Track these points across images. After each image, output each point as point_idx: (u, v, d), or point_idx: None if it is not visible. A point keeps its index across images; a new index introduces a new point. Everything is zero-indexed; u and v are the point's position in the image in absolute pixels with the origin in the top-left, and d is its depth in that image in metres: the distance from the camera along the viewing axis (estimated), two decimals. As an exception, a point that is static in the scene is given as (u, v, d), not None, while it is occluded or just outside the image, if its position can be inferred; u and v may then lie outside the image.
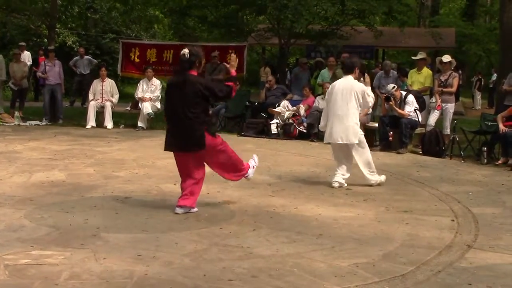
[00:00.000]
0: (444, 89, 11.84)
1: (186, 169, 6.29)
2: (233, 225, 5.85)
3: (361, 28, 20.28)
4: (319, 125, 8.96)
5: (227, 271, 4.47)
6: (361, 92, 7.95)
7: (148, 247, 5.00)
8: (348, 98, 7.92)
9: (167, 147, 6.34)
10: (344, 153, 8.07)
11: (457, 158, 10.81)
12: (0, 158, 9.21)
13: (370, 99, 8.16)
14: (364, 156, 8.06)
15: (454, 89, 12.02)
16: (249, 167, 6.65)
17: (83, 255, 4.72)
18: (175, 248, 5.02)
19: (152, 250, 4.92)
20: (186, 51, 6.24)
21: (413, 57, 13.30)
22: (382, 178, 8.11)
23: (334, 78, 14.01)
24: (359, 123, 8.08)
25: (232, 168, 6.52)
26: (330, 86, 8.35)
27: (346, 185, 7.87)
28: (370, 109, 12.16)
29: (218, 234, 5.49)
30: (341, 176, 7.94)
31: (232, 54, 6.77)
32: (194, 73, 6.26)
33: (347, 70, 8.19)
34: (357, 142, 7.93)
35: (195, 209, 6.23)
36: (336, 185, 7.83)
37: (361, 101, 7.98)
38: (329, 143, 8.29)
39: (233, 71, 6.56)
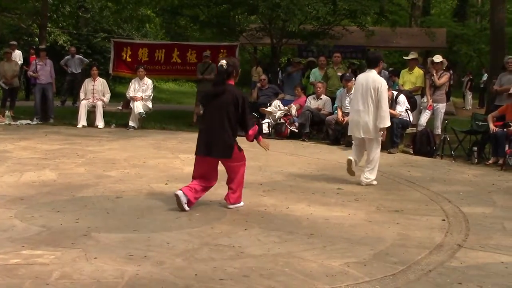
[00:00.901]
0: (434, 80, 11.78)
1: (206, 172, 6.50)
2: (225, 224, 5.85)
3: (352, 28, 20.28)
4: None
5: (219, 271, 4.47)
6: (375, 88, 8.09)
7: (139, 246, 5.00)
8: (368, 93, 8.09)
9: (200, 153, 6.47)
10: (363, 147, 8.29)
11: (448, 158, 10.86)
12: (-9, 158, 9.18)
13: (385, 99, 8.17)
14: (374, 153, 8.17)
15: (442, 81, 11.95)
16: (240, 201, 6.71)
17: (74, 255, 4.72)
18: (166, 247, 5.01)
19: (144, 249, 4.92)
20: (224, 62, 6.51)
21: (404, 57, 13.35)
22: (375, 182, 8.14)
23: (326, 77, 14.07)
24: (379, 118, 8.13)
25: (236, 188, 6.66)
26: (356, 79, 8.35)
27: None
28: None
29: (209, 234, 5.49)
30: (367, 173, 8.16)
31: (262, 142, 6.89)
32: (232, 82, 6.56)
33: (371, 64, 8.31)
34: (373, 137, 8.14)
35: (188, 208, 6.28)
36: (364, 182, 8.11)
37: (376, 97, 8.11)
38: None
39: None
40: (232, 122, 6.42)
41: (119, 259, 4.65)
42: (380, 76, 13.25)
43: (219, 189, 7.33)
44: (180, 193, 6.25)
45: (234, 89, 6.53)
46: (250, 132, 6.59)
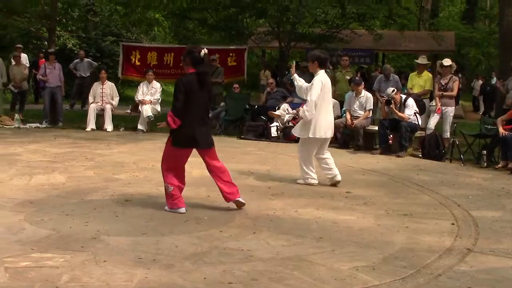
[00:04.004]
0: (445, 93, 11.86)
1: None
2: (233, 228, 5.85)
3: (361, 31, 20.30)
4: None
5: (228, 274, 4.47)
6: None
7: (148, 250, 5.00)
8: (329, 94, 8.32)
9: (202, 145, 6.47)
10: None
11: (457, 161, 10.82)
12: (0, 161, 9.21)
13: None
14: None
15: (454, 93, 12.04)
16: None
17: (83, 258, 4.73)
18: (175, 251, 5.02)
19: (153, 253, 4.92)
20: (206, 50, 6.50)
21: (417, 61, 13.22)
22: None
23: (334, 81, 14.06)
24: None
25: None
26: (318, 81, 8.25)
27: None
28: (371, 113, 12.24)
29: (218, 237, 5.49)
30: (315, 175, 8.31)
31: None
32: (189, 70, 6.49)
33: (323, 65, 8.33)
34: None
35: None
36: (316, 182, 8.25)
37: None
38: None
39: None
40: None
41: (128, 262, 4.66)
42: (389, 79, 13.40)
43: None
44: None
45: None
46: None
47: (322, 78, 8.08)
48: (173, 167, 6.40)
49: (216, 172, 6.50)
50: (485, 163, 10.42)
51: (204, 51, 6.38)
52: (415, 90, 12.40)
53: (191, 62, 6.40)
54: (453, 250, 5.35)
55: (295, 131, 8.55)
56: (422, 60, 12.89)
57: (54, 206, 6.48)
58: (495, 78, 24.84)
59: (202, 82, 6.36)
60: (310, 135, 8.05)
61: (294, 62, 9.52)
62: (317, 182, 8.16)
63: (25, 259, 4.68)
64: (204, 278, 4.38)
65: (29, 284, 4.17)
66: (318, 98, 7.97)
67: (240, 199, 6.54)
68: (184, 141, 6.32)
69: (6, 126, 14.03)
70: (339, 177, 8.15)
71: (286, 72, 19.12)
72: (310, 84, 8.10)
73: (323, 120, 8.09)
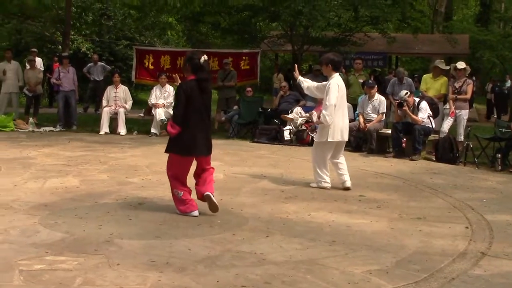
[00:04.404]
0: (459, 96, 11.79)
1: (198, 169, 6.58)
2: (246, 231, 5.85)
3: (374, 35, 20.28)
4: None
5: (240, 278, 4.47)
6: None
7: (161, 253, 5.01)
8: (344, 97, 8.29)
9: (203, 153, 6.48)
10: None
11: (471, 165, 10.77)
12: (15, 164, 9.27)
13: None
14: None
15: (468, 96, 11.98)
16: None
17: (97, 261, 4.75)
18: (188, 254, 5.02)
19: (166, 256, 4.93)
20: (206, 57, 6.47)
21: (438, 65, 12.84)
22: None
23: (347, 84, 14.04)
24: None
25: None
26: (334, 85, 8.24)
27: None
28: (384, 116, 12.20)
29: (231, 241, 5.49)
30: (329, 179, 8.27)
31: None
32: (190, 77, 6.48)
33: (337, 68, 8.32)
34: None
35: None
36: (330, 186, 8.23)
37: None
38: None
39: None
40: None
41: (141, 266, 4.67)
42: (403, 83, 13.33)
43: (241, 196, 7.37)
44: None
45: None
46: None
47: (337, 81, 8.08)
48: (179, 173, 6.42)
49: (202, 176, 6.51)
50: (500, 167, 10.36)
51: (204, 57, 6.37)
52: (431, 94, 12.32)
53: (191, 68, 6.42)
54: (467, 254, 5.32)
55: (316, 138, 8.53)
56: (441, 65, 12.67)
57: (68, 209, 6.51)
58: (509, 81, 24.71)
59: (202, 88, 6.37)
60: (329, 139, 8.04)
61: (295, 65, 9.47)
62: (330, 186, 8.14)
63: (39, 262, 4.70)
64: (217, 281, 4.39)
65: (43, 287, 4.19)
66: (336, 101, 7.98)
67: (211, 196, 6.37)
68: (184, 149, 6.34)
69: (21, 130, 14.13)
70: (348, 184, 8.12)
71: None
72: (326, 86, 8.08)
73: (340, 122, 8.10)
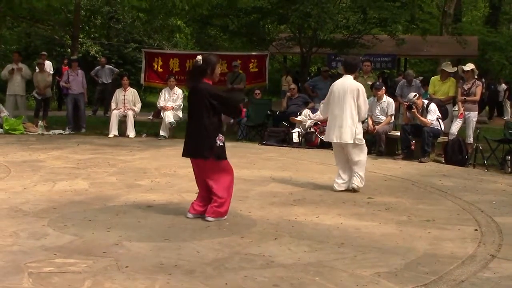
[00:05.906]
0: (468, 98, 11.75)
1: (199, 177, 6.47)
2: (255, 234, 5.85)
3: (382, 37, 20.25)
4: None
5: (249, 280, 4.47)
6: (357, 92, 8.04)
7: (170, 255, 5.02)
8: (346, 98, 8.03)
9: (184, 153, 6.47)
10: (344, 155, 8.22)
11: (480, 167, 10.74)
12: (24, 167, 9.31)
13: (362, 104, 8.11)
14: (357, 157, 8.15)
15: (477, 97, 11.93)
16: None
17: (105, 264, 4.75)
18: (196, 256, 5.03)
19: (174, 258, 4.94)
20: (199, 57, 6.32)
21: (444, 68, 12.73)
22: (361, 185, 8.18)
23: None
24: (358, 124, 8.09)
25: (215, 200, 6.32)
26: (331, 86, 8.38)
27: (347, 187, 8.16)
28: (392, 118, 12.18)
29: (239, 243, 5.49)
30: (341, 181, 8.18)
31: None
32: (208, 81, 6.34)
33: (349, 69, 8.26)
34: (351, 142, 8.03)
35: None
36: (338, 188, 8.14)
37: (357, 101, 8.06)
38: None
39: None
40: (210, 121, 6.19)
41: (150, 268, 4.67)
42: (412, 85, 13.30)
43: (249, 199, 7.37)
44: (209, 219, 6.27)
45: (208, 86, 6.27)
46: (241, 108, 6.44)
47: (337, 82, 8.24)
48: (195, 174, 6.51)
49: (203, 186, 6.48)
50: (509, 169, 10.32)
51: (198, 57, 6.34)
52: (439, 96, 12.28)
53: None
54: (476, 256, 5.29)
55: None
56: (448, 67, 12.63)
57: (77, 212, 6.53)
58: (503, 85, 24.67)
59: (195, 91, 6.34)
60: (325, 138, 8.22)
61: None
62: (337, 189, 8.12)
63: (49, 264, 4.71)
64: (226, 284, 4.38)
65: (52, 289, 4.21)
66: (326, 101, 8.26)
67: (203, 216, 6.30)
68: (183, 150, 6.44)
69: (30, 133, 14.20)
70: (353, 185, 8.11)
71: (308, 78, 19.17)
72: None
73: (330, 123, 8.21)
